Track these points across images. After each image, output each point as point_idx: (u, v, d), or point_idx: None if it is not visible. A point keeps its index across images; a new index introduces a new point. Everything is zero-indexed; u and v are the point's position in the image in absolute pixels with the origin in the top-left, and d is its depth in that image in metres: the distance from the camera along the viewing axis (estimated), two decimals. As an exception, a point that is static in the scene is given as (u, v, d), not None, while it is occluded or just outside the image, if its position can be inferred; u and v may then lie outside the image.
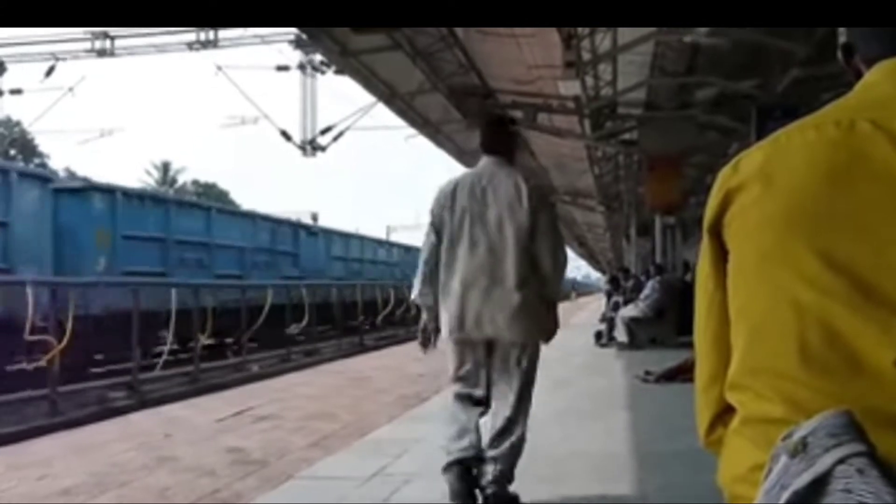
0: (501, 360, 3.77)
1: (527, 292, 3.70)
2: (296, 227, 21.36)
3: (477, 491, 3.66)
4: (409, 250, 31.00)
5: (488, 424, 3.79)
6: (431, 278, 3.82)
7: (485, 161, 3.90)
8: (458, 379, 3.84)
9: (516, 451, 3.72)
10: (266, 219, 20.17)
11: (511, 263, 3.68)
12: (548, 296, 3.85)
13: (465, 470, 3.64)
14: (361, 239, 26.61)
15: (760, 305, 0.83)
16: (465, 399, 3.80)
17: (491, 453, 3.69)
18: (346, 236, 25.40)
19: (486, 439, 3.74)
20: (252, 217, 19.62)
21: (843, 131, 0.82)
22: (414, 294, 3.94)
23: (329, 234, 23.49)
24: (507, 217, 3.70)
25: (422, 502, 4.03)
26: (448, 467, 3.65)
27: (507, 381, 3.77)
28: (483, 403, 3.80)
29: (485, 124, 4.17)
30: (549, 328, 3.93)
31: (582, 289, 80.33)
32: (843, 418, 0.69)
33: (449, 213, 3.76)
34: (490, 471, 3.66)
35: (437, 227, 3.81)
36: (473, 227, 3.72)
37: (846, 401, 0.72)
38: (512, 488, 3.81)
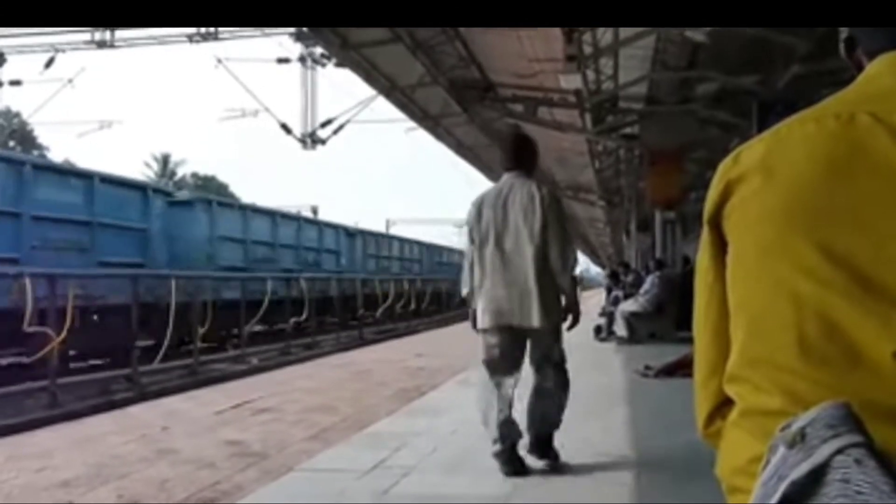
0: (532, 345, 4.40)
1: (542, 286, 4.26)
2: (145, 191, 14.50)
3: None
4: (352, 236, 24.63)
5: (526, 395, 4.41)
6: (472, 277, 4.48)
7: (505, 177, 4.48)
8: (488, 361, 4.40)
9: (555, 413, 4.41)
10: (78, 174, 13.13)
11: (529, 262, 4.26)
12: (560, 288, 4.37)
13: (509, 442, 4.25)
14: (273, 215, 19.72)
15: (760, 297, 0.83)
16: (495, 376, 4.35)
17: (529, 420, 4.37)
18: (246, 210, 18.62)
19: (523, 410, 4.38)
20: (46, 170, 12.53)
21: (842, 124, 0.82)
22: (463, 290, 4.61)
23: (214, 206, 16.92)
24: (522, 222, 4.28)
25: (421, 495, 4.04)
26: (494, 443, 4.24)
27: (538, 361, 4.41)
28: (511, 377, 4.34)
29: (504, 142, 4.73)
30: (565, 314, 4.43)
31: (585, 283, 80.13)
32: (841, 409, 0.69)
33: (477, 224, 4.41)
34: (530, 434, 4.39)
35: (471, 237, 4.48)
36: (497, 234, 4.33)
37: (845, 393, 0.72)
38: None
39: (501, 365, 4.33)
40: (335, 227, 23.63)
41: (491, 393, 4.31)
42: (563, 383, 4.44)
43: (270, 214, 19.52)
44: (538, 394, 4.37)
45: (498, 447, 4.20)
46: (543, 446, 4.39)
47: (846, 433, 0.67)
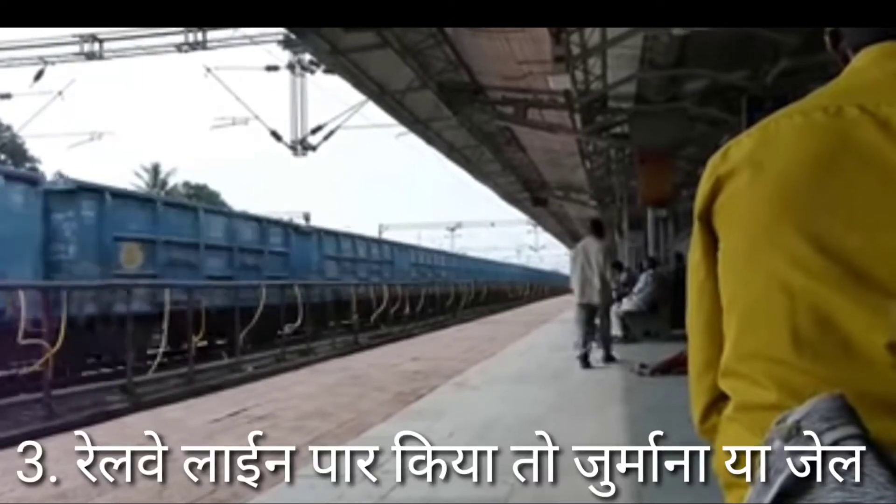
0: (598, 310, 9.78)
1: (602, 285, 9.59)
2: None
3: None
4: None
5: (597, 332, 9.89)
6: (574, 280, 9.84)
7: (588, 238, 10.08)
8: (579, 316, 9.83)
9: (607, 338, 10.01)
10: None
11: (597, 275, 9.54)
12: (608, 286, 9.87)
13: (584, 351, 9.56)
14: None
15: (752, 291, 0.83)
16: (583, 322, 9.71)
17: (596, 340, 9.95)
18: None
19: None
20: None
21: (830, 117, 0.82)
22: (572, 286, 10.04)
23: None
24: (594, 258, 9.60)
25: (419, 497, 4.03)
26: (580, 351, 9.57)
27: (599, 317, 9.86)
28: (591, 323, 9.79)
29: (591, 225, 10.55)
30: (611, 298, 10.56)
31: None
32: (835, 402, 0.69)
33: (576, 257, 9.88)
34: (595, 346, 9.86)
35: (574, 262, 9.95)
36: (583, 262, 9.67)
37: (839, 385, 0.72)
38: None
39: (584, 317, 9.68)
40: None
41: (580, 328, 9.64)
42: (609, 325, 10.19)
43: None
44: (600, 331, 9.88)
45: (577, 352, 9.44)
46: (608, 354, 9.80)
47: (841, 425, 0.67)
